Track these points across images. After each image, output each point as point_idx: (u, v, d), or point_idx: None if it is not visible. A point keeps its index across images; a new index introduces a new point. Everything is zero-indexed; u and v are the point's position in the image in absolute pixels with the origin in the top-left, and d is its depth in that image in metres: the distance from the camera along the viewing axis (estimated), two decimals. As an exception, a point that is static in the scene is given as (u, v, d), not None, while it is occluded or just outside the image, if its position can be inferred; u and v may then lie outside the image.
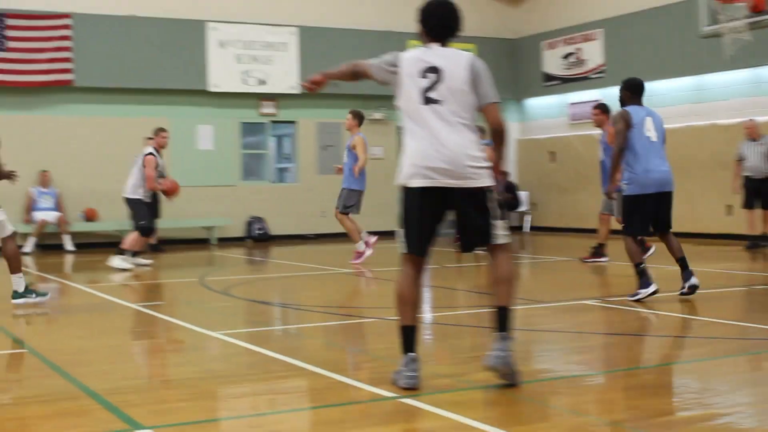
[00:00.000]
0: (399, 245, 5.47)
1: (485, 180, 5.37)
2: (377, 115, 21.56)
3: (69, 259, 16.42)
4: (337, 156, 20.80)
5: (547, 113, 22.34)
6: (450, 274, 13.13)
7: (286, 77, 20.48)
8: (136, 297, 11.35)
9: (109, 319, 9.19)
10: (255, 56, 20.22)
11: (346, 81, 5.72)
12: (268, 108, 20.66)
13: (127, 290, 12.04)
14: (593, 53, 20.99)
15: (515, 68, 22.99)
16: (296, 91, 20.45)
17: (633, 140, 8.79)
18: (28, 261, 15.84)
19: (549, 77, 22.25)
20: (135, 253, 13.95)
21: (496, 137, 5.54)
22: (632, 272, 8.82)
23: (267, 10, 20.54)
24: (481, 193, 5.36)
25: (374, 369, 6.18)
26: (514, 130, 23.44)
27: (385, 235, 21.19)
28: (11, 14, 18.11)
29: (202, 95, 19.91)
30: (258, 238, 20.06)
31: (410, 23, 22.84)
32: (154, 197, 15.07)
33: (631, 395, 5.40)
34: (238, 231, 20.27)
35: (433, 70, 5.30)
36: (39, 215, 17.85)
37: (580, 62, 21.35)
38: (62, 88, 18.64)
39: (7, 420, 4.94)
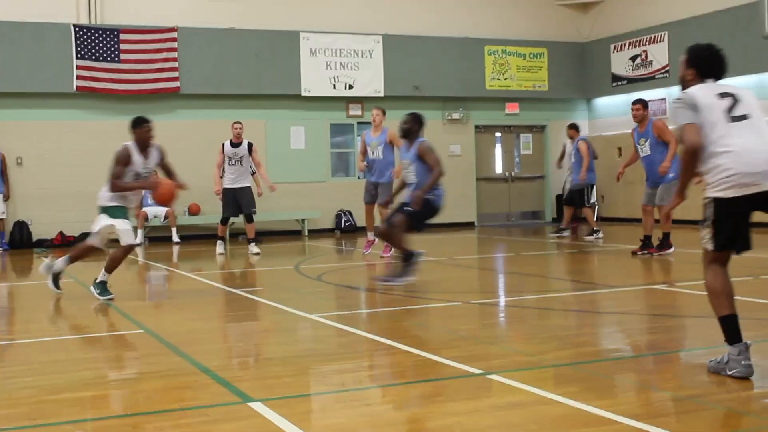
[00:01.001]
0: (706, 244, 5.26)
1: None
2: (455, 116, 21.56)
3: (176, 250, 16.73)
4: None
5: (614, 111, 22.12)
6: (524, 261, 13.09)
7: (371, 82, 20.59)
8: (238, 283, 11.54)
9: (215, 303, 9.38)
10: (343, 63, 20.35)
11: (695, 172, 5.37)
12: (354, 110, 20.77)
13: (229, 277, 12.25)
14: (658, 55, 20.71)
15: (585, 70, 22.79)
16: (380, 94, 20.54)
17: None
18: (139, 252, 16.20)
19: (616, 78, 22.01)
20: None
21: None
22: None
23: (354, 21, 20.65)
24: None
25: (462, 347, 6.22)
26: (584, 128, 23.25)
27: (463, 226, 21.22)
28: (125, 30, 18.50)
29: (295, 99, 20.10)
30: (346, 230, 20.20)
31: (486, 30, 22.84)
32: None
33: (699, 372, 5.36)
34: (328, 223, 20.43)
35: (728, 95, 5.29)
36: (149, 210, 18.17)
37: (645, 63, 21.09)
38: (170, 95, 18.98)
39: (135, 393, 5.11)
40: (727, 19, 18.66)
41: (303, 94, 20.01)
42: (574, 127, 17.06)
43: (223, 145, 14.79)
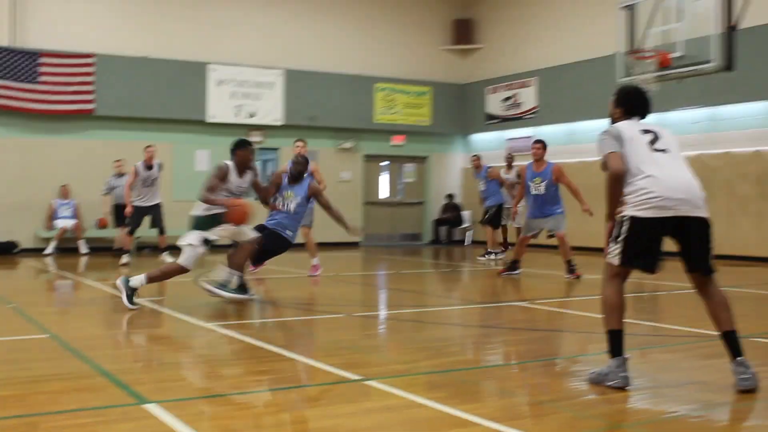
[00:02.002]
0: (612, 258, 5.19)
1: (708, 213, 5.21)
2: (347, 145, 21.60)
3: (83, 261, 16.27)
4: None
5: (488, 146, 22.48)
6: (404, 279, 13.17)
7: (272, 111, 20.53)
8: (140, 293, 11.25)
9: (118, 311, 9.12)
10: (247, 93, 20.24)
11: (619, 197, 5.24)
12: (256, 137, 20.60)
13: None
14: (528, 97, 21.19)
15: (463, 108, 23.13)
16: (279, 123, 20.49)
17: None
18: (49, 261, 15.72)
19: (491, 117, 22.41)
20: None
21: None
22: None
23: (258, 55, 20.58)
24: (707, 223, 5.16)
25: (343, 356, 6.20)
26: (460, 161, 23.60)
27: (349, 245, 21.22)
28: (44, 53, 18.02)
29: (201, 125, 19.87)
30: (245, 246, 19.98)
31: (377, 69, 23.02)
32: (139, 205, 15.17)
33: (552, 380, 5.47)
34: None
35: (649, 131, 5.28)
36: (59, 223, 17.75)
37: (516, 105, 21.54)
38: (84, 116, 18.54)
39: (37, 394, 4.92)
40: (588, 69, 19.21)
41: (208, 120, 19.81)
42: (479, 158, 17.13)
43: (136, 167, 14.80)
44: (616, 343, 5.14)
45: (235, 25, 20.47)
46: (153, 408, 4.53)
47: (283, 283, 12.36)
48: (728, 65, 12.83)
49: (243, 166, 8.88)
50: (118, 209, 16.53)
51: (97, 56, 18.56)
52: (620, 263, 5.16)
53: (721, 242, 5.31)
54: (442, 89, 22.93)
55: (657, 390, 5.22)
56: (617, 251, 5.16)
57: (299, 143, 12.96)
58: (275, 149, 21.11)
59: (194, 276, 12.08)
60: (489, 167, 16.70)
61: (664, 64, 13.72)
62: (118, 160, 16.85)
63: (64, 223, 17.74)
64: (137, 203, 14.75)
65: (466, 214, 22.92)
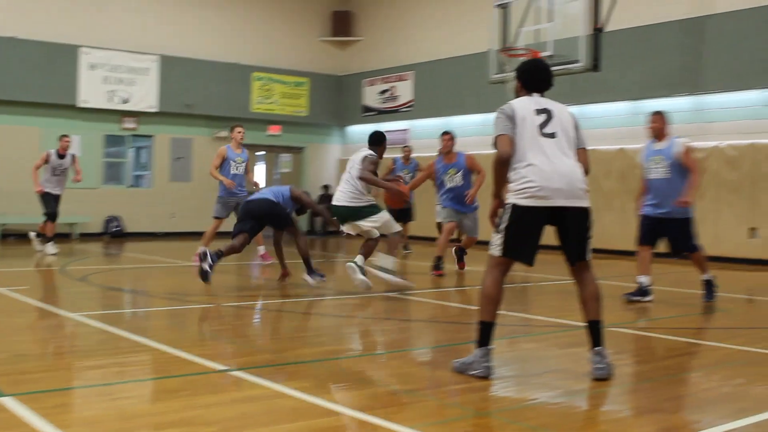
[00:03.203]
0: (494, 249, 5.12)
1: (588, 202, 5.19)
2: (222, 134, 21.30)
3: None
4: (186, 167, 20.50)
5: (364, 138, 22.42)
6: (277, 269, 13.06)
7: (146, 98, 20.04)
8: (3, 282, 10.83)
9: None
10: (120, 78, 19.69)
11: (504, 178, 5.15)
12: (129, 123, 20.13)
13: (-4, 276, 11.49)
14: (404, 91, 21.37)
15: (340, 100, 23.16)
16: (154, 109, 20.05)
17: None
18: None
19: (367, 109, 22.52)
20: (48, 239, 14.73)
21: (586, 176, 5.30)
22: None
23: (133, 39, 20.08)
24: (585, 213, 5.15)
25: (210, 346, 6.12)
26: (336, 152, 23.64)
27: (222, 235, 20.93)
28: None
29: (71, 109, 19.25)
30: (114, 234, 19.54)
31: (255, 58, 22.88)
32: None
33: (418, 370, 5.52)
34: (98, 228, 19.67)
35: (544, 111, 5.17)
36: None
37: (393, 98, 21.70)
38: (-56, 97, 17.73)
39: None
40: (463, 64, 19.51)
41: (80, 105, 19.21)
42: (410, 150, 16.30)
43: (48, 154, 14.48)
44: (485, 334, 5.17)
45: (109, 7, 19.90)
46: (7, 401, 4.34)
47: (155, 273, 12.09)
48: (595, 65, 13.25)
49: (382, 157, 10.04)
50: None
51: (-40, 35, 17.75)
52: (501, 254, 5.15)
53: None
54: (319, 80, 22.90)
55: (520, 378, 5.34)
56: (499, 242, 5.15)
57: (239, 129, 12.92)
58: (149, 136, 20.65)
59: (62, 265, 11.71)
60: (417, 162, 16.21)
61: (535, 62, 14.11)
62: None
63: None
64: (48, 189, 14.48)
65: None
